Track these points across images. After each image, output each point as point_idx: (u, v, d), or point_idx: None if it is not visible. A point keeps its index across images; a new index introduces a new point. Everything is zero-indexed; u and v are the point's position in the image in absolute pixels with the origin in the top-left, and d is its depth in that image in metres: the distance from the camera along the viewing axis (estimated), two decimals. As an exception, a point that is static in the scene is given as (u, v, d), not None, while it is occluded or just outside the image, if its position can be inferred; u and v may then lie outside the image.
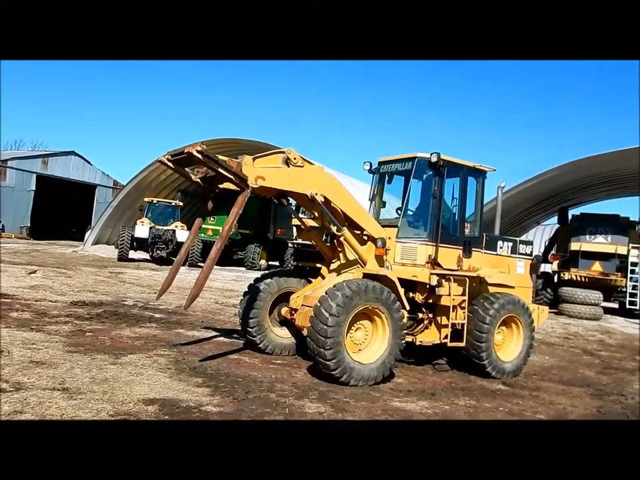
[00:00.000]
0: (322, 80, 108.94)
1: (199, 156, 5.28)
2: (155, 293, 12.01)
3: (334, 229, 6.40)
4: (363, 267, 6.49)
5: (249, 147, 23.68)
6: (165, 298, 11.24)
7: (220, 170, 5.47)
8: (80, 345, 6.37)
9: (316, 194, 6.07)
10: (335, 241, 6.79)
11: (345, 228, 6.38)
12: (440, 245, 6.68)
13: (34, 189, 35.20)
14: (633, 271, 17.62)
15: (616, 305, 19.28)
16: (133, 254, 21.45)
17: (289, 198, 6.66)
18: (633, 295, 17.61)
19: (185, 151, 5.32)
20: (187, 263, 20.94)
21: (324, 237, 7.22)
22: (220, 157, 5.60)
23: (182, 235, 21.12)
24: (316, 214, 6.58)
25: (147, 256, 21.98)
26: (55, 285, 11.43)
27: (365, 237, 6.67)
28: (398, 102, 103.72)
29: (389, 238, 6.62)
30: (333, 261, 6.93)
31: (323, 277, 6.96)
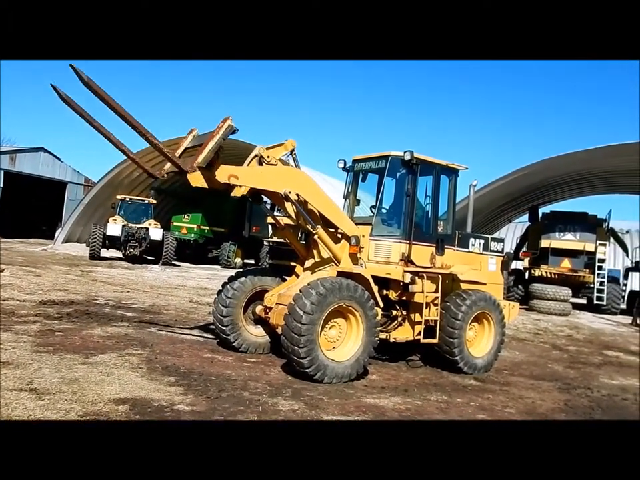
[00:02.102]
0: (295, 77, 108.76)
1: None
2: (128, 291, 11.86)
3: (308, 227, 6.42)
4: (337, 264, 6.52)
5: (224, 145, 23.49)
6: (137, 296, 11.13)
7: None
8: (49, 344, 6.23)
9: (289, 192, 6.07)
10: (310, 239, 6.81)
11: (319, 226, 6.40)
12: (413, 242, 6.74)
13: (1, 186, 34.24)
14: (600, 268, 18.14)
15: (584, 301, 19.82)
16: (105, 252, 21.06)
17: (264, 197, 6.66)
18: (600, 291, 18.13)
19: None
20: (161, 262, 20.69)
21: (299, 235, 7.23)
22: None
23: (155, 232, 20.83)
24: (290, 212, 6.59)
25: (119, 254, 21.62)
26: (23, 284, 11.14)
27: (339, 235, 6.70)
28: (372, 99, 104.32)
29: (363, 236, 6.67)
30: (308, 259, 6.94)
31: (298, 275, 6.96)
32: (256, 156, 6.22)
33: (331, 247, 6.51)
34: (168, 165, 5.90)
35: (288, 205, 6.38)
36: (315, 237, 6.45)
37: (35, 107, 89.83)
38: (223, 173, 5.65)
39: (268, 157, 6.17)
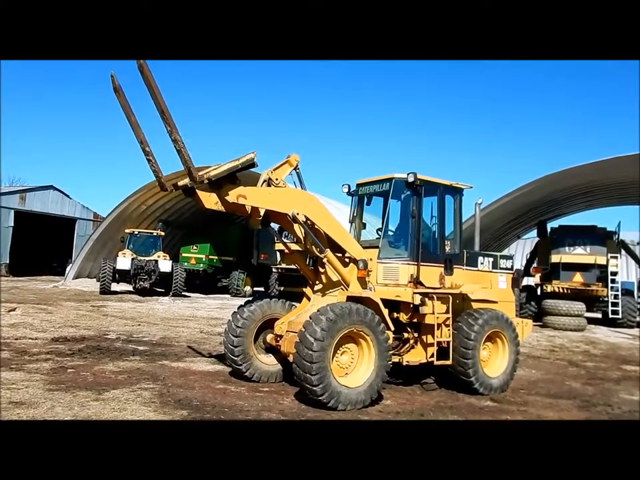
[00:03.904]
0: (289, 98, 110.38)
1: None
2: (139, 325, 11.86)
3: (316, 250, 6.42)
4: (346, 288, 6.49)
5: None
6: (148, 330, 11.13)
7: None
8: (61, 382, 6.22)
9: (297, 213, 6.11)
10: (317, 263, 6.80)
11: (328, 250, 6.40)
12: (421, 263, 6.72)
13: (12, 225, 34.70)
14: (613, 280, 17.90)
15: (599, 315, 19.51)
16: (115, 286, 21.15)
17: (272, 223, 6.71)
18: (614, 304, 17.85)
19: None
20: (171, 293, 20.72)
21: (307, 261, 7.24)
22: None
23: (164, 264, 20.93)
24: (299, 234, 6.61)
25: (129, 288, 21.70)
26: (35, 322, 11.19)
27: (347, 260, 6.69)
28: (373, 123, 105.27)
29: (371, 259, 6.66)
30: (317, 284, 6.93)
31: (308, 301, 6.94)
32: (265, 181, 6.30)
33: (340, 270, 6.50)
34: (180, 182, 5.91)
35: (296, 227, 6.42)
36: (324, 260, 6.44)
37: (44, 146, 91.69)
38: (232, 193, 5.72)
39: (276, 179, 6.26)
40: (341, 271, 6.50)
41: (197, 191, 5.88)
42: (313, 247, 6.45)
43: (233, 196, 5.70)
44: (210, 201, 5.92)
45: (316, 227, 6.38)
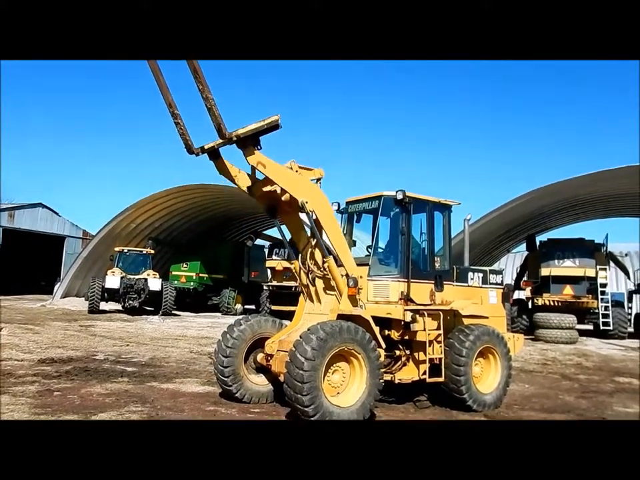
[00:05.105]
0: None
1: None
2: (128, 345, 11.70)
3: (319, 255, 6.37)
4: (339, 298, 6.41)
5: (219, 192, 23.74)
6: (137, 350, 10.98)
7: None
8: (47, 405, 6.09)
9: (307, 202, 6.10)
10: (309, 278, 6.68)
11: (331, 256, 6.34)
12: (411, 280, 6.70)
13: (0, 243, 34.36)
14: (603, 292, 18.04)
15: (590, 327, 19.60)
16: (104, 305, 20.93)
17: (277, 217, 6.67)
18: (605, 316, 17.96)
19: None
20: (161, 312, 20.52)
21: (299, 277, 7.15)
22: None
23: (154, 283, 20.76)
24: (301, 238, 6.59)
25: (118, 307, 21.48)
26: (21, 343, 11.01)
27: (342, 274, 6.63)
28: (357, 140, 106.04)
29: (361, 277, 6.62)
30: (309, 301, 6.86)
31: (299, 320, 6.88)
32: (288, 168, 6.33)
33: (338, 280, 6.36)
34: (207, 145, 6.02)
35: (301, 233, 6.51)
36: (325, 265, 6.37)
37: (33, 163, 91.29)
38: (254, 157, 5.85)
39: (298, 170, 6.31)
40: (339, 281, 6.38)
41: (222, 156, 6.09)
42: (317, 248, 6.38)
43: (254, 160, 5.87)
44: (232, 170, 6.19)
45: (321, 227, 6.34)
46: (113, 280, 20.31)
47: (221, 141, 5.78)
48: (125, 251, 22.17)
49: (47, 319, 17.23)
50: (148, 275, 21.11)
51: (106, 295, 20.41)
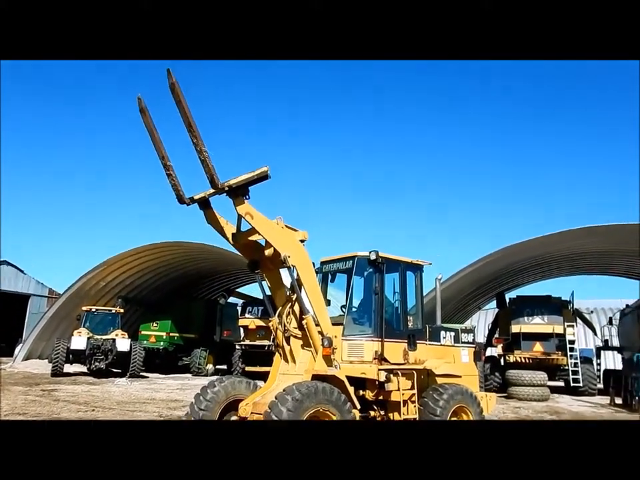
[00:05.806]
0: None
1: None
2: (93, 410, 11.21)
3: (298, 312, 6.40)
4: (316, 355, 6.41)
5: (191, 249, 23.69)
6: (102, 415, 10.53)
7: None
8: None
9: (289, 257, 6.18)
10: (286, 335, 6.69)
11: (310, 313, 6.39)
12: (385, 339, 6.78)
13: (-40, 303, 33.03)
14: (571, 349, 18.34)
15: (561, 383, 19.75)
16: (68, 367, 20.10)
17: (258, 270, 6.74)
18: (575, 372, 18.18)
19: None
20: (128, 374, 19.82)
21: (272, 340, 7.17)
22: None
23: (122, 343, 20.13)
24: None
25: (84, 369, 20.66)
26: (-21, 410, 10.44)
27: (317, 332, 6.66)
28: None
29: (335, 336, 6.66)
30: (283, 362, 6.82)
31: (273, 380, 6.81)
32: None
33: (315, 338, 6.38)
34: (197, 196, 6.15)
35: (280, 292, 6.58)
36: (304, 322, 6.40)
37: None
38: (243, 207, 5.99)
39: (283, 227, 6.44)
40: (315, 340, 6.40)
41: (211, 206, 6.26)
42: (296, 303, 6.45)
43: (243, 209, 6.00)
44: (221, 220, 6.36)
45: (300, 283, 6.41)
46: (79, 341, 19.63)
47: (213, 190, 5.98)
48: (93, 310, 21.58)
49: (5, 383, 16.41)
50: (116, 335, 20.51)
51: (71, 356, 19.65)
